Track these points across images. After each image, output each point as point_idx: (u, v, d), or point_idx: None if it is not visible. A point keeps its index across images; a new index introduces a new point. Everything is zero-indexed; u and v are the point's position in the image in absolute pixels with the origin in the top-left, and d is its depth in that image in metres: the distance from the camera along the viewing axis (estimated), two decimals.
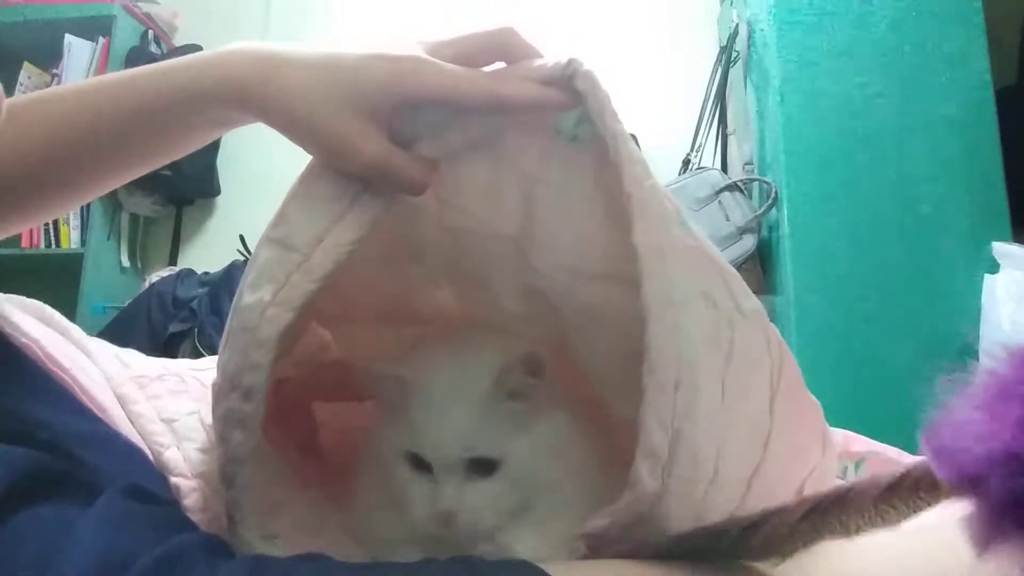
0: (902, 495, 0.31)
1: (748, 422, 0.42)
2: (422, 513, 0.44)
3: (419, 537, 0.45)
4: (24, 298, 0.50)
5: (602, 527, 0.40)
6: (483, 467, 0.44)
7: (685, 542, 0.38)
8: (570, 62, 0.42)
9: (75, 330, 0.50)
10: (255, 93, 0.43)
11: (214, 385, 0.41)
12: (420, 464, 0.45)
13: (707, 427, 0.39)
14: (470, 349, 0.49)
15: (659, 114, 2.22)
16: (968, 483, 0.28)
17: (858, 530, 0.33)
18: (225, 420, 0.40)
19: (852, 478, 0.62)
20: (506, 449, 0.45)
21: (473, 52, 0.44)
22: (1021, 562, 0.27)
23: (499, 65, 0.45)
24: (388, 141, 0.43)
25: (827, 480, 0.49)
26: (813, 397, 0.49)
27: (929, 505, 0.31)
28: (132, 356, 0.53)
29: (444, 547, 0.43)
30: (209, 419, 0.44)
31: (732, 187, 1.76)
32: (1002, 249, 1.46)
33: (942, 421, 0.30)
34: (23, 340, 0.44)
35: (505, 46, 0.45)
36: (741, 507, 0.41)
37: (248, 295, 0.40)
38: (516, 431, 0.45)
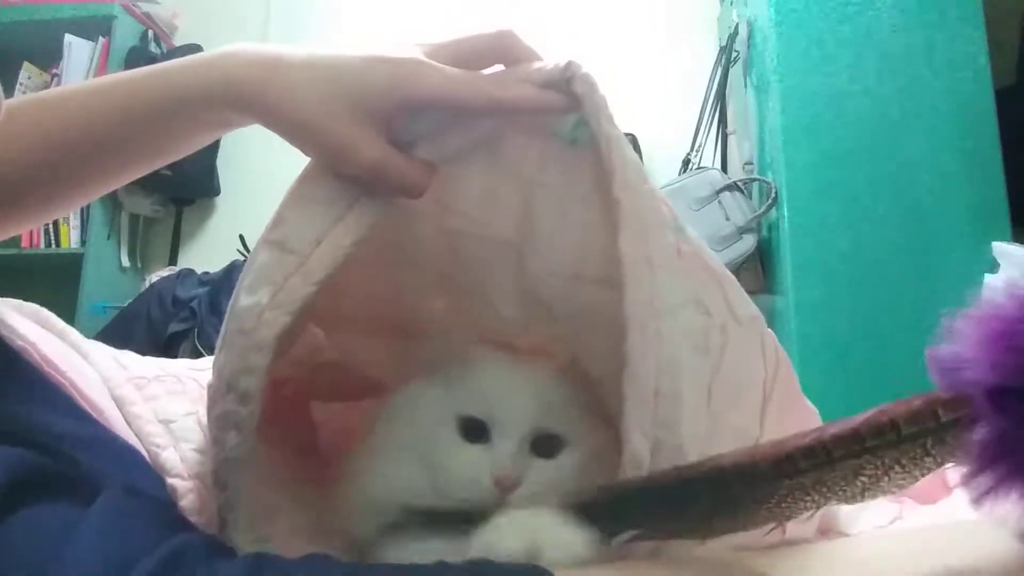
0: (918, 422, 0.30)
1: (736, 429, 0.42)
2: (479, 479, 0.43)
3: (420, 517, 0.44)
4: (20, 301, 0.50)
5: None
6: (545, 447, 0.45)
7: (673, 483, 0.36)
8: (568, 65, 0.42)
9: (72, 332, 0.50)
10: (254, 95, 0.43)
11: (210, 387, 0.41)
12: (475, 433, 0.45)
13: (690, 434, 0.39)
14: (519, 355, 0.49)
15: (659, 114, 2.22)
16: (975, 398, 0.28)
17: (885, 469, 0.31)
18: (220, 422, 0.40)
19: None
20: (574, 433, 0.45)
21: (472, 55, 0.44)
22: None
23: (498, 68, 0.45)
24: (387, 144, 0.43)
25: None
26: (809, 403, 0.49)
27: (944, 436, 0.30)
28: (129, 357, 0.53)
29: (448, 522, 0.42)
30: (207, 420, 0.44)
31: (732, 187, 1.76)
32: (1002, 249, 1.46)
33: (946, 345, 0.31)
34: (20, 343, 0.44)
35: (504, 49, 0.45)
36: None
37: (245, 297, 0.40)
38: (581, 420, 0.46)
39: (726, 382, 0.41)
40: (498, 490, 0.43)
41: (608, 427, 0.48)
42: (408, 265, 0.52)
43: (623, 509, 0.38)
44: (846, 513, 0.54)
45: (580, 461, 0.45)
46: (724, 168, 1.94)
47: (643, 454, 0.38)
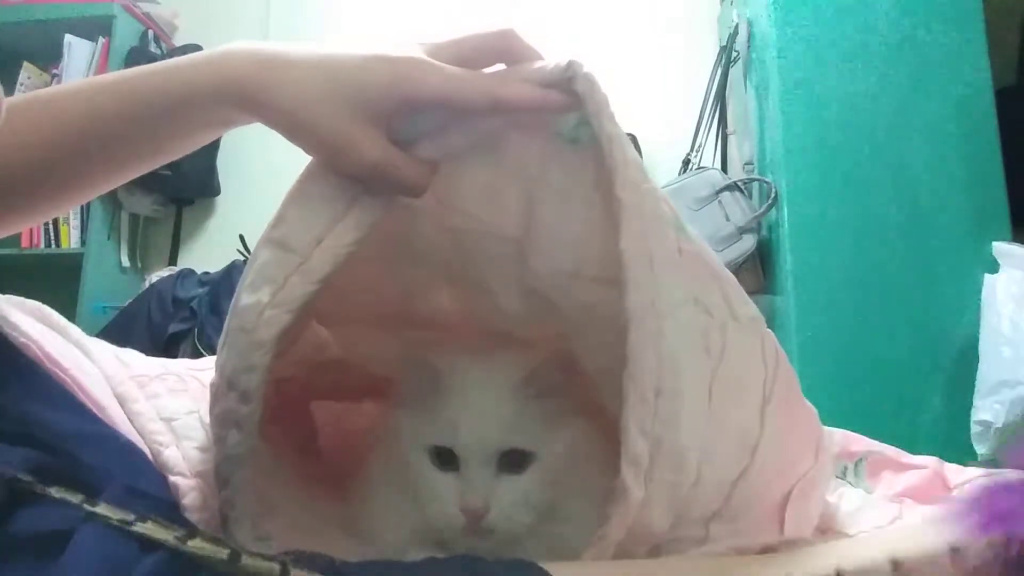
0: None
1: (736, 427, 0.42)
2: (448, 510, 0.43)
3: (431, 539, 0.45)
4: (23, 298, 0.50)
5: (602, 547, 0.39)
6: (514, 463, 0.44)
7: None
8: (570, 64, 0.42)
9: (74, 330, 0.50)
10: (254, 93, 0.43)
11: (212, 385, 0.41)
12: (445, 460, 0.45)
13: (690, 433, 0.40)
14: (496, 349, 0.49)
15: (659, 114, 2.22)
16: None
17: None
18: (222, 420, 0.40)
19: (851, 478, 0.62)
20: (540, 443, 0.45)
21: (473, 54, 0.44)
22: None
23: (499, 67, 0.45)
24: (388, 142, 0.43)
25: (819, 486, 0.49)
26: (809, 404, 0.49)
27: None
28: (131, 355, 0.53)
29: (456, 550, 0.43)
30: (208, 418, 0.44)
31: (732, 187, 1.76)
32: (1002, 249, 1.46)
33: None
34: (22, 340, 0.44)
35: (505, 48, 0.45)
36: (724, 508, 0.41)
37: (246, 296, 0.40)
38: (548, 428, 0.46)
39: (726, 381, 0.41)
40: (467, 520, 0.43)
41: (590, 419, 0.48)
42: (412, 261, 0.52)
43: None
44: (846, 513, 0.54)
45: (549, 471, 0.45)
46: (724, 168, 1.94)
47: (642, 454, 0.38)
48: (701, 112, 1.98)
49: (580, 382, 0.49)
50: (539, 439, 0.45)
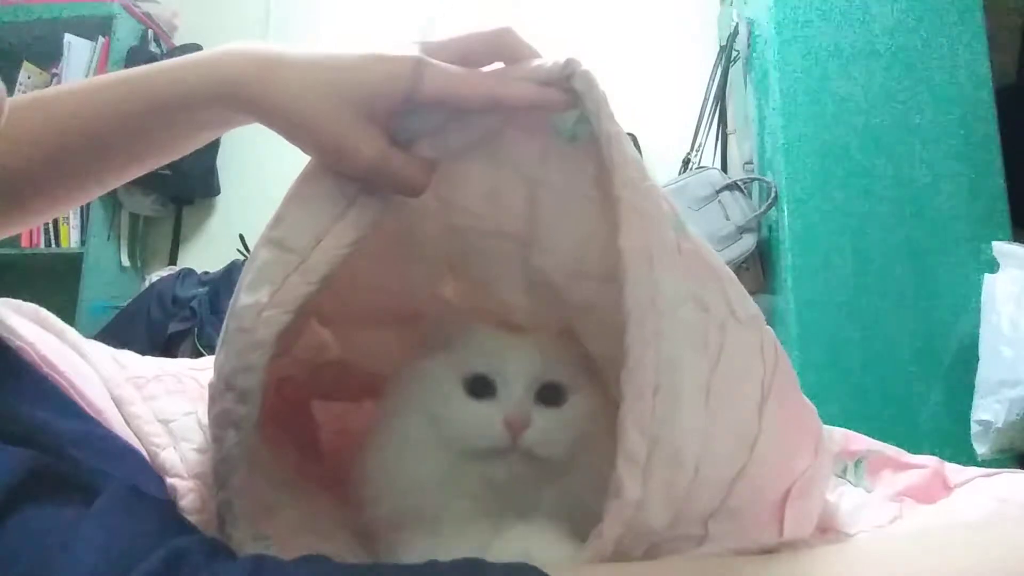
0: None
1: (734, 425, 0.42)
2: (490, 427, 0.45)
3: (453, 479, 0.46)
4: (19, 301, 0.50)
5: (598, 546, 0.39)
6: (551, 398, 0.47)
7: None
8: (568, 62, 0.41)
9: (71, 332, 0.50)
10: (253, 94, 0.43)
11: (210, 385, 0.41)
12: (480, 391, 0.47)
13: (688, 431, 0.39)
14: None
15: (659, 114, 2.22)
16: None
17: None
18: (219, 421, 0.40)
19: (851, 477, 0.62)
20: (576, 382, 0.48)
21: (472, 53, 0.44)
22: None
23: (498, 66, 0.45)
24: (387, 142, 0.42)
25: (818, 484, 0.49)
26: (808, 401, 0.49)
27: None
28: (128, 357, 0.53)
29: (479, 488, 0.45)
30: (206, 419, 0.44)
31: (732, 186, 1.76)
32: (1002, 249, 1.46)
33: None
34: (19, 343, 0.44)
35: (503, 47, 0.45)
36: (723, 507, 0.41)
37: (245, 296, 0.40)
38: (581, 375, 0.49)
39: (724, 380, 0.41)
40: (509, 433, 0.45)
41: (602, 388, 0.50)
42: (415, 258, 0.52)
43: None
44: (845, 512, 0.54)
45: (585, 409, 0.48)
46: (724, 168, 1.94)
47: (639, 452, 0.38)
48: (701, 112, 1.98)
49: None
50: (576, 380, 0.48)
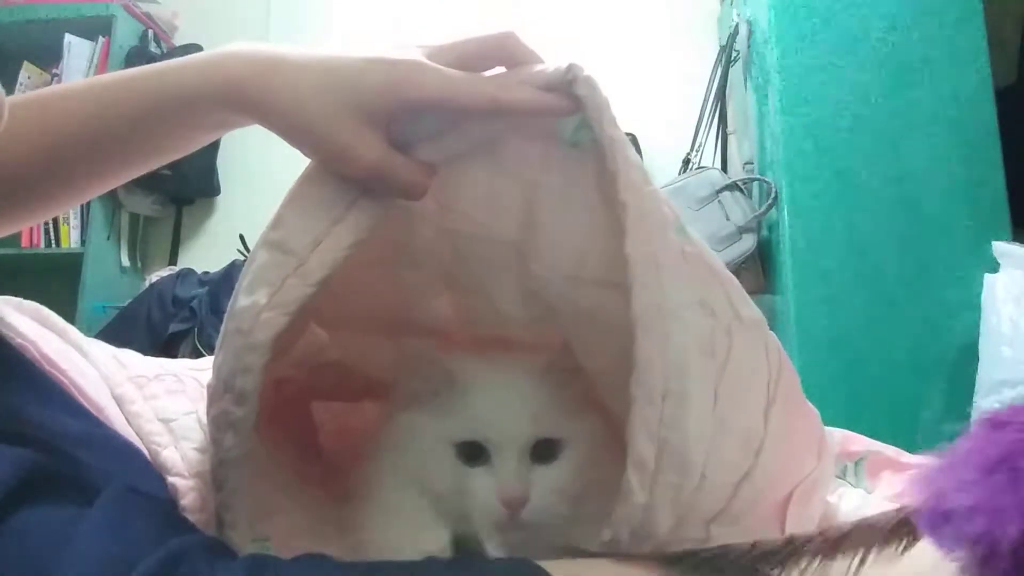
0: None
1: (740, 430, 0.42)
2: (486, 503, 0.44)
3: (451, 540, 0.45)
4: (21, 299, 0.50)
5: (603, 548, 0.39)
6: (545, 453, 0.45)
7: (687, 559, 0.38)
8: (570, 67, 0.41)
9: (72, 331, 0.50)
10: (253, 95, 0.43)
11: (209, 386, 0.41)
12: (474, 455, 0.45)
13: (696, 435, 0.39)
14: (507, 353, 0.50)
15: (659, 114, 2.22)
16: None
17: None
18: (217, 422, 0.40)
19: (850, 479, 0.62)
20: (568, 432, 0.46)
21: (473, 57, 0.44)
22: None
23: (499, 70, 0.45)
24: (387, 145, 0.42)
25: (820, 487, 0.49)
26: (811, 405, 0.49)
27: None
28: (129, 356, 0.53)
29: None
30: (206, 419, 0.44)
31: (732, 187, 1.76)
32: (1002, 249, 1.46)
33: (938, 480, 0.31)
34: (20, 341, 0.44)
35: (505, 51, 0.45)
36: (727, 510, 0.41)
37: (243, 298, 0.40)
38: (573, 417, 0.47)
39: (732, 383, 0.41)
40: (508, 511, 0.43)
41: (599, 415, 0.49)
42: (411, 265, 0.52)
43: None
44: (845, 514, 0.54)
45: (581, 459, 0.46)
46: (724, 168, 1.94)
47: (648, 458, 0.38)
48: (701, 112, 1.98)
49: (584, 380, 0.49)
50: (567, 427, 0.46)
